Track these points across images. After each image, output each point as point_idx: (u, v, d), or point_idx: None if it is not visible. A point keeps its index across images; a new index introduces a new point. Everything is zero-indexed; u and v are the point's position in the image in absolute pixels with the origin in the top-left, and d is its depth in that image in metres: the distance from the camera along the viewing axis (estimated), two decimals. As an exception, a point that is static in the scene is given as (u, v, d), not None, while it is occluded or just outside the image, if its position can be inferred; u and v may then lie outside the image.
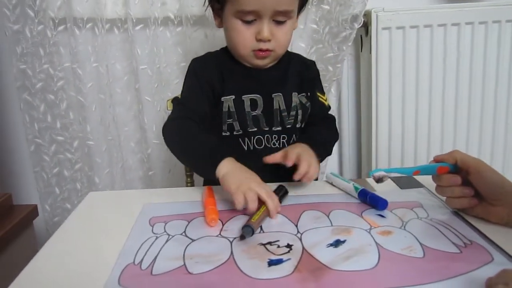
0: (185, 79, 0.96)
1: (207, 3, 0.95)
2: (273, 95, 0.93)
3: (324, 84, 1.28)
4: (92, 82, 1.30)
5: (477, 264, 0.55)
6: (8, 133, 1.37)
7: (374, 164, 1.38)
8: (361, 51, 1.38)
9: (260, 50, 0.87)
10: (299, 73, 0.98)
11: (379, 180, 0.68)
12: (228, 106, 0.91)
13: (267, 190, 0.72)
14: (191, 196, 0.82)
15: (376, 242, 0.61)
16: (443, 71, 1.31)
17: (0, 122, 1.35)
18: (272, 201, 0.70)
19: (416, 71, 1.31)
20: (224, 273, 0.55)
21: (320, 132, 0.96)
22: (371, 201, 0.73)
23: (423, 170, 0.69)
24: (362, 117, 1.44)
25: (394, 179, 0.85)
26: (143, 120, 1.31)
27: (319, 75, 1.03)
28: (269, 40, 0.86)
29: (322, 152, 0.91)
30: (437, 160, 0.69)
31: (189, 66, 0.96)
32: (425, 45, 1.29)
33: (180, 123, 0.87)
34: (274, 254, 0.59)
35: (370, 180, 0.84)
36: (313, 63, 1.04)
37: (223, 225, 0.69)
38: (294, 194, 0.79)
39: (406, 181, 0.84)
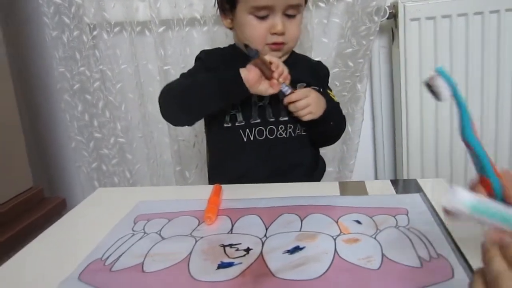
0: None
1: (216, 5, 0.98)
2: None
3: (346, 80, 1.24)
4: (125, 82, 1.37)
5: (433, 280, 0.51)
6: (51, 131, 1.50)
7: (405, 163, 1.31)
8: (393, 44, 1.30)
9: (275, 43, 0.90)
10: (310, 70, 0.98)
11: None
12: None
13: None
14: (194, 195, 0.83)
15: (335, 250, 0.59)
16: (481, 64, 1.20)
17: (45, 121, 1.49)
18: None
19: (450, 65, 1.21)
20: (173, 272, 0.57)
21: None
22: None
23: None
24: (395, 114, 1.37)
25: (392, 182, 0.81)
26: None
27: (329, 73, 1.02)
28: (282, 34, 0.90)
29: (329, 111, 0.91)
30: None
31: (196, 56, 1.00)
32: (459, 36, 1.19)
33: (176, 83, 0.92)
34: (228, 256, 0.59)
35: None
36: (320, 62, 1.04)
37: (198, 224, 0.71)
38: (281, 196, 0.78)
39: (404, 185, 0.79)
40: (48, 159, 1.53)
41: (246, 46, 0.85)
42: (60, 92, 1.37)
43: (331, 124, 0.93)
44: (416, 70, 1.24)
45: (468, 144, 0.48)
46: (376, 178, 1.48)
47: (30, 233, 0.74)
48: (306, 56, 1.06)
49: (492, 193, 0.46)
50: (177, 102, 0.88)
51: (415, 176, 1.32)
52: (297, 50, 1.25)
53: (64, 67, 1.33)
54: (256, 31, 0.89)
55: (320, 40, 1.25)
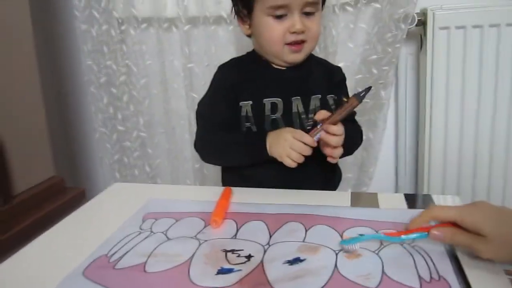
0: (210, 85, 0.99)
1: (233, 12, 0.97)
2: (292, 98, 0.93)
3: (369, 88, 1.22)
4: (150, 77, 1.40)
5: (431, 304, 0.50)
6: (76, 122, 1.55)
7: (426, 176, 1.28)
8: (421, 51, 1.27)
9: (295, 42, 0.89)
10: (326, 77, 0.96)
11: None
12: (246, 110, 0.92)
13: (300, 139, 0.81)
14: (205, 195, 0.84)
15: (336, 265, 0.58)
16: (511, 76, 1.15)
17: (70, 112, 1.53)
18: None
19: (479, 76, 1.18)
20: (173, 275, 0.58)
21: (348, 127, 0.92)
22: None
23: None
24: (419, 123, 1.34)
25: (406, 196, 0.79)
26: (190, 115, 1.38)
27: (345, 80, 1.00)
28: (302, 32, 0.88)
29: (347, 143, 0.88)
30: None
31: (215, 73, 0.98)
32: (490, 47, 1.15)
33: (208, 138, 0.95)
34: (229, 263, 0.60)
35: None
36: (339, 68, 1.02)
37: (204, 227, 0.71)
38: (292, 203, 0.78)
39: (417, 200, 0.78)
40: (72, 149, 1.57)
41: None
42: (87, 84, 1.40)
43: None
44: (443, 79, 1.21)
45: None
46: (396, 188, 1.45)
47: (48, 222, 0.76)
48: (325, 60, 1.04)
49: None
50: (216, 161, 1.00)
51: (436, 189, 1.29)
52: (321, 54, 1.25)
53: (91, 60, 1.37)
54: (274, 32, 0.88)
55: (345, 45, 1.24)
